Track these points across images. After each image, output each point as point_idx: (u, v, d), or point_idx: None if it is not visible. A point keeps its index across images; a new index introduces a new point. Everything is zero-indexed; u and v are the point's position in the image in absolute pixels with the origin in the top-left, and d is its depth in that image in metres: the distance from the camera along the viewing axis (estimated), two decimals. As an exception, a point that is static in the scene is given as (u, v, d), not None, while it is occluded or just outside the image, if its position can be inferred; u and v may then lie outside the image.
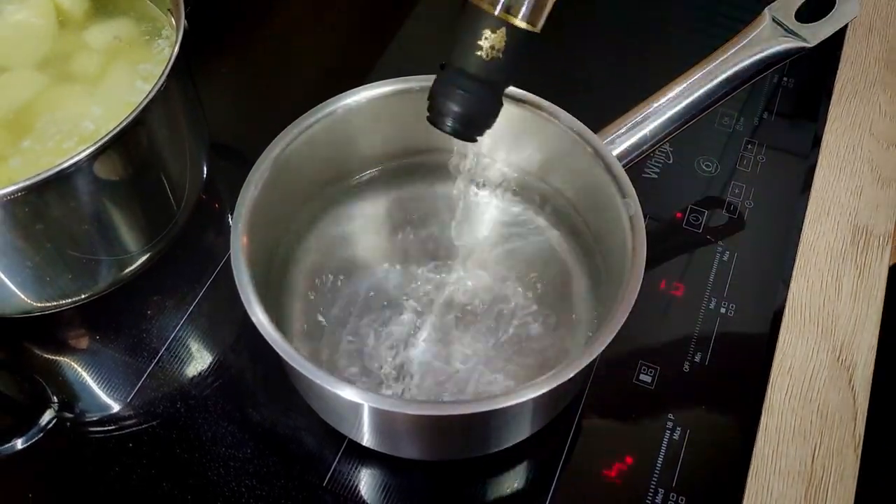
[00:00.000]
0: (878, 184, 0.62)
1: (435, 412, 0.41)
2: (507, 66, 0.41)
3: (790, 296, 0.56)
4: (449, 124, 0.43)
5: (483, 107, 0.43)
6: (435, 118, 0.44)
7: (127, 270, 0.53)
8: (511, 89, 0.51)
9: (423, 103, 0.52)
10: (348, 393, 0.40)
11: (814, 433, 0.51)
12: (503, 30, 0.40)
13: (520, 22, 0.40)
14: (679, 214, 0.61)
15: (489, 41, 0.40)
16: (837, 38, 0.71)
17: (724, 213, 0.61)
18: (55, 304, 0.52)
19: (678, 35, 0.74)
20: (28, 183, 0.42)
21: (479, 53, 0.41)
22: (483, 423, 0.45)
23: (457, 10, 0.78)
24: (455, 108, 0.42)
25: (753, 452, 0.50)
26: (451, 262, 0.54)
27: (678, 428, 0.51)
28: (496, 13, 0.40)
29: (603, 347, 0.41)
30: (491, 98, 0.43)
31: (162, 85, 0.47)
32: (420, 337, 0.51)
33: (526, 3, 0.40)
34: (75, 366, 0.54)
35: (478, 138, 0.45)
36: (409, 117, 0.53)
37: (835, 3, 0.54)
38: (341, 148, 0.53)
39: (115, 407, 0.52)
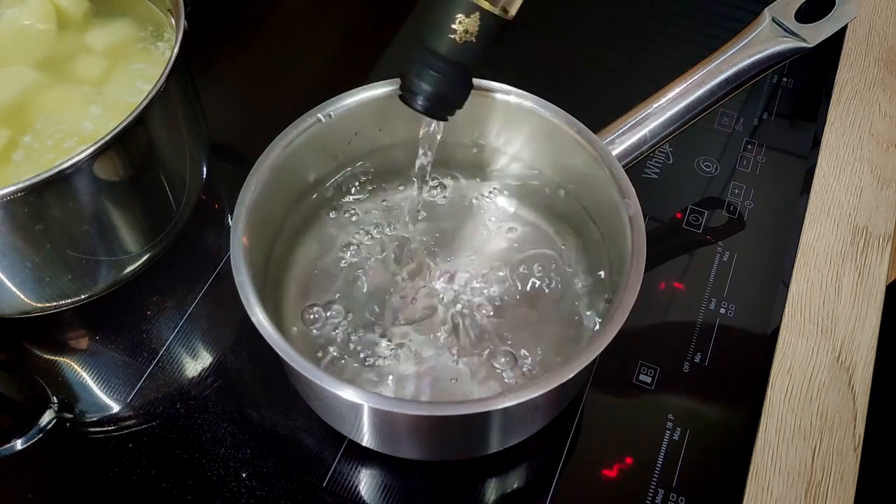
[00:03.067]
0: (878, 184, 0.62)
1: (435, 412, 0.41)
2: (478, 49, 0.43)
3: (790, 296, 0.56)
4: (420, 103, 0.45)
5: (454, 88, 0.44)
6: (407, 97, 0.45)
7: (127, 271, 0.53)
8: (512, 89, 0.51)
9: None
10: (348, 393, 0.40)
11: (814, 433, 0.51)
12: (476, 14, 0.41)
13: (493, 8, 0.42)
14: (679, 214, 0.61)
15: (463, 25, 0.41)
16: (837, 39, 0.71)
17: (724, 213, 0.61)
18: (55, 304, 0.52)
19: (678, 35, 0.74)
20: (28, 183, 0.42)
21: (452, 37, 0.42)
22: (483, 424, 0.45)
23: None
24: (427, 87, 0.44)
25: (753, 452, 0.50)
26: (450, 261, 0.54)
27: (678, 428, 0.51)
28: (477, 1, 0.41)
29: (603, 347, 0.41)
30: (462, 79, 0.45)
31: (162, 85, 0.47)
32: (420, 336, 0.51)
33: None
34: (75, 366, 0.54)
35: (448, 118, 0.46)
36: (409, 117, 0.53)
37: (835, 3, 0.54)
38: (341, 148, 0.53)
39: (115, 407, 0.52)
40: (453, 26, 0.42)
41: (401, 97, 0.46)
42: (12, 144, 0.50)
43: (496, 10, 0.42)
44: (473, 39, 0.42)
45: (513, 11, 0.42)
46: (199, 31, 0.53)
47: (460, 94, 0.45)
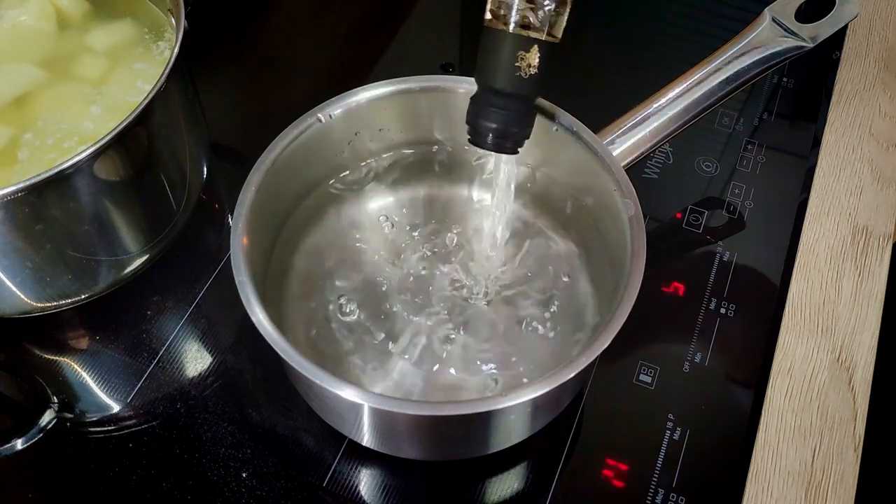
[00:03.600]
0: (878, 184, 0.62)
1: (435, 412, 0.41)
2: (543, 78, 0.44)
3: (790, 296, 0.56)
4: (492, 142, 0.45)
5: (525, 121, 0.46)
6: (479, 139, 0.46)
7: (127, 271, 0.53)
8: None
9: (422, 103, 0.53)
10: (348, 393, 0.40)
11: (814, 434, 0.51)
12: (535, 48, 0.43)
13: (546, 36, 0.43)
14: (679, 214, 0.61)
15: (526, 60, 0.43)
16: (837, 38, 0.71)
17: (724, 213, 0.61)
18: (55, 304, 0.52)
19: (678, 35, 0.74)
20: (28, 183, 0.42)
21: (517, 74, 0.43)
22: (483, 424, 0.45)
23: (455, 10, 0.79)
24: (498, 126, 0.45)
25: (753, 453, 0.50)
26: (451, 261, 0.54)
27: (678, 428, 0.51)
28: (526, 34, 0.43)
29: (603, 347, 0.41)
30: (530, 111, 0.46)
31: (162, 85, 0.47)
32: (420, 336, 0.51)
33: (550, 19, 0.43)
34: (75, 366, 0.54)
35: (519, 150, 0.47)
36: (409, 117, 0.54)
37: (835, 3, 0.54)
38: (341, 148, 0.53)
39: (115, 407, 0.52)
40: (517, 64, 0.43)
41: (471, 141, 0.46)
42: (15, 143, 0.50)
43: (547, 37, 0.43)
44: (536, 71, 0.43)
45: (560, 33, 0.44)
46: (199, 31, 0.53)
47: (530, 124, 0.46)
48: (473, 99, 0.45)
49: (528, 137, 0.46)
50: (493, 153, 0.47)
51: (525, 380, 0.50)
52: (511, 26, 0.42)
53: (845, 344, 0.54)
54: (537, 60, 0.43)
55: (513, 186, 0.50)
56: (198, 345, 0.54)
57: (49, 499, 0.49)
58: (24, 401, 0.53)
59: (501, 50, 0.43)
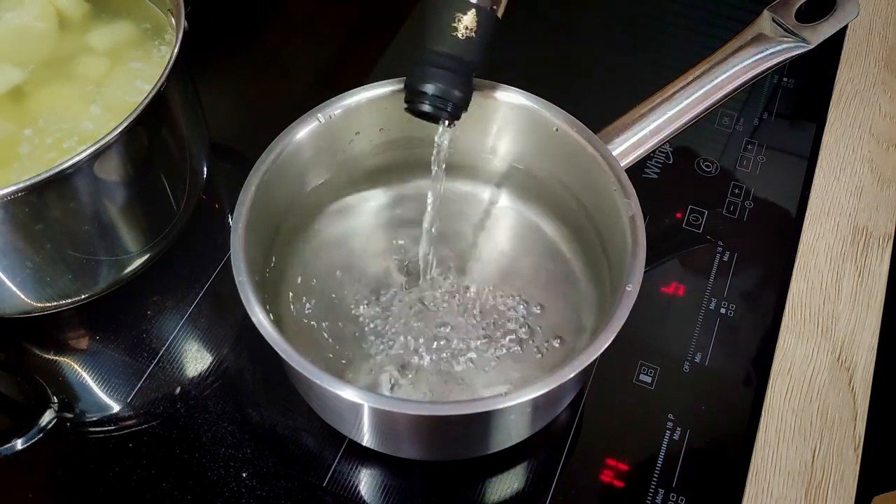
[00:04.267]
0: (878, 184, 0.62)
1: (435, 412, 0.41)
2: (480, 45, 0.45)
3: (790, 296, 0.56)
4: (430, 105, 0.46)
5: (461, 85, 0.46)
6: (414, 104, 0.46)
7: (127, 271, 0.53)
8: (512, 89, 0.51)
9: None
10: (348, 393, 0.40)
11: (814, 434, 0.51)
12: (472, 11, 0.44)
13: (485, 4, 0.44)
14: (679, 214, 0.61)
15: (462, 22, 0.44)
16: (837, 39, 0.70)
17: (724, 213, 0.61)
18: (55, 304, 0.52)
19: (678, 35, 0.74)
20: (28, 183, 0.42)
21: (454, 34, 0.44)
22: (483, 424, 0.45)
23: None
24: (435, 86, 0.45)
25: (753, 453, 0.50)
26: (451, 262, 0.54)
27: (678, 428, 0.51)
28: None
29: (603, 348, 0.41)
30: (467, 77, 0.46)
31: (162, 85, 0.47)
32: (420, 336, 0.51)
33: None
34: (75, 366, 0.54)
35: (455, 123, 0.47)
36: (409, 117, 0.53)
37: (835, 3, 0.54)
38: (341, 148, 0.53)
39: (115, 407, 0.52)
40: (454, 24, 0.44)
41: (407, 108, 0.47)
42: (14, 142, 0.50)
43: (488, 7, 0.44)
44: (474, 35, 0.44)
45: (501, 10, 0.45)
46: (199, 31, 0.53)
47: (466, 92, 0.46)
48: (412, 68, 0.46)
49: (465, 106, 0.46)
50: (430, 123, 0.47)
51: (522, 381, 0.50)
52: None
53: (845, 344, 0.54)
54: (474, 24, 0.44)
55: (444, 167, 0.51)
56: (198, 345, 0.54)
57: (49, 499, 0.49)
58: (24, 401, 0.53)
59: (439, 12, 0.44)
